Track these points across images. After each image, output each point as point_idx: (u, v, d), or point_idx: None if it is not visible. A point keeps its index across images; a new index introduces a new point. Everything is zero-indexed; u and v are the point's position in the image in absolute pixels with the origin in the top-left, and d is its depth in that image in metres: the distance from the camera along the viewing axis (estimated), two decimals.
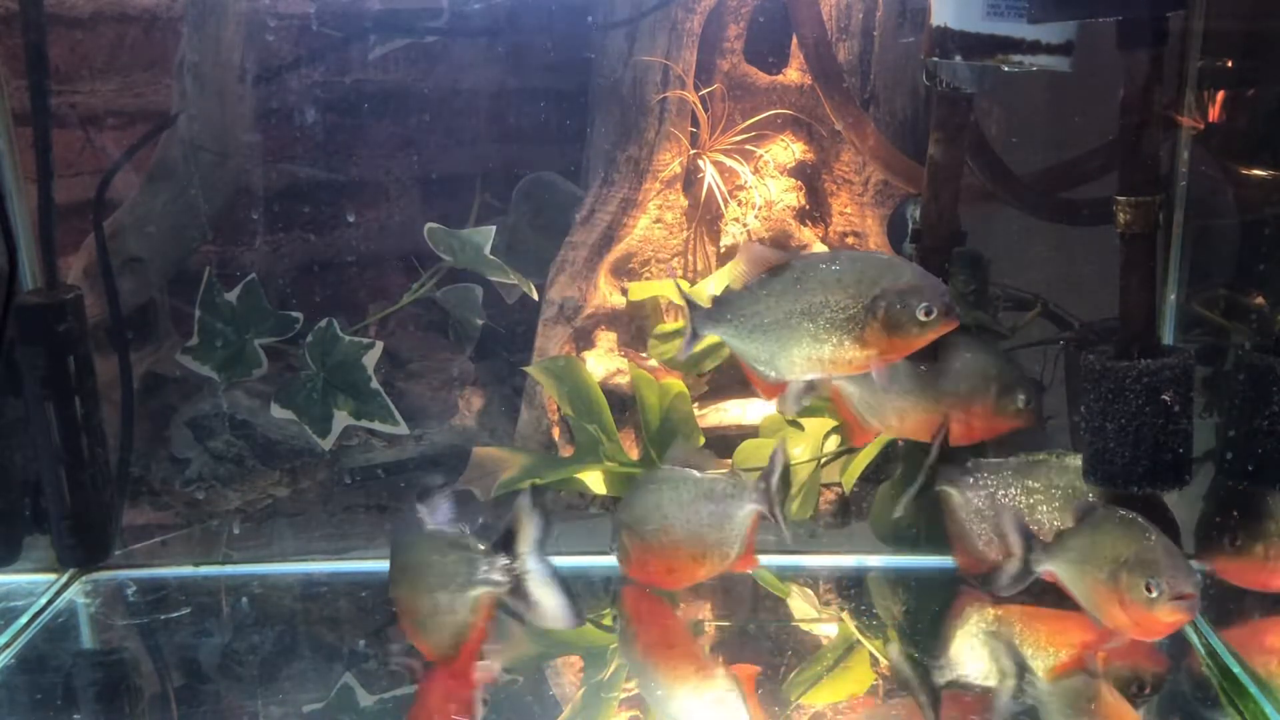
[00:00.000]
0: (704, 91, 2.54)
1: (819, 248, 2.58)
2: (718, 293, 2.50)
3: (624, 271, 2.58)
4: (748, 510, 2.10)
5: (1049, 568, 2.04)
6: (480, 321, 2.65)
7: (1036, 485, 2.18)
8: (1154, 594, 1.88)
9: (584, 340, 2.55)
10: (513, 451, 2.53)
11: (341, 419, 2.55)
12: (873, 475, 2.41)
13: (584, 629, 2.25)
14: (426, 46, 2.59)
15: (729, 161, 2.56)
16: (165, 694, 2.11)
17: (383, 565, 2.04)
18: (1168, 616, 1.90)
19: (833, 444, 2.43)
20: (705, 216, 2.61)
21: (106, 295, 2.45)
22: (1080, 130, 2.38)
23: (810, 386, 2.18)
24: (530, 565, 1.87)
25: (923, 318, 1.92)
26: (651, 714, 2.00)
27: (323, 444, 2.56)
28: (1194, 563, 2.09)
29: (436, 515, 1.97)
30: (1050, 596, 2.11)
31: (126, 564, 2.48)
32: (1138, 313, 2.04)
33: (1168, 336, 2.31)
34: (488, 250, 2.55)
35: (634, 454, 2.49)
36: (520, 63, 2.63)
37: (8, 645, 2.19)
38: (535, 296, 2.56)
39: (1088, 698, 1.99)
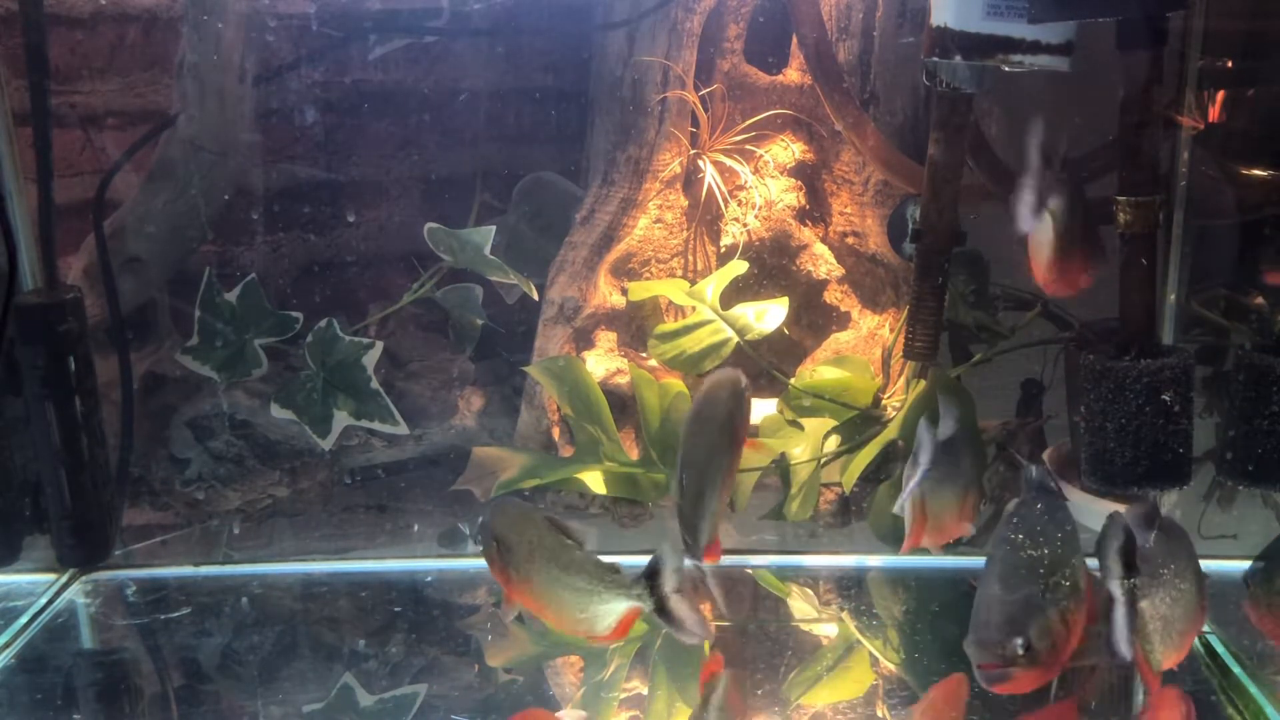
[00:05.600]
0: (704, 91, 2.53)
1: (819, 248, 2.58)
2: (718, 293, 2.52)
3: (624, 271, 2.58)
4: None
5: None
6: (480, 321, 2.65)
7: None
8: None
9: (584, 340, 2.55)
10: (513, 451, 2.53)
11: (341, 419, 2.55)
12: (873, 475, 2.41)
13: None
14: (426, 46, 2.59)
15: (729, 161, 2.56)
16: (165, 694, 2.11)
17: (382, 565, 2.03)
18: None
19: (833, 444, 2.43)
20: (705, 216, 2.61)
21: (106, 295, 2.45)
22: (1080, 130, 2.38)
23: None
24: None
25: None
26: (652, 713, 2.00)
27: (323, 444, 2.56)
28: None
29: None
30: None
31: (126, 564, 2.48)
32: (1138, 313, 2.05)
33: (1168, 336, 2.30)
34: (488, 250, 2.55)
35: (634, 454, 2.49)
36: (520, 63, 2.63)
37: (8, 645, 2.19)
38: (535, 296, 2.56)
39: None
